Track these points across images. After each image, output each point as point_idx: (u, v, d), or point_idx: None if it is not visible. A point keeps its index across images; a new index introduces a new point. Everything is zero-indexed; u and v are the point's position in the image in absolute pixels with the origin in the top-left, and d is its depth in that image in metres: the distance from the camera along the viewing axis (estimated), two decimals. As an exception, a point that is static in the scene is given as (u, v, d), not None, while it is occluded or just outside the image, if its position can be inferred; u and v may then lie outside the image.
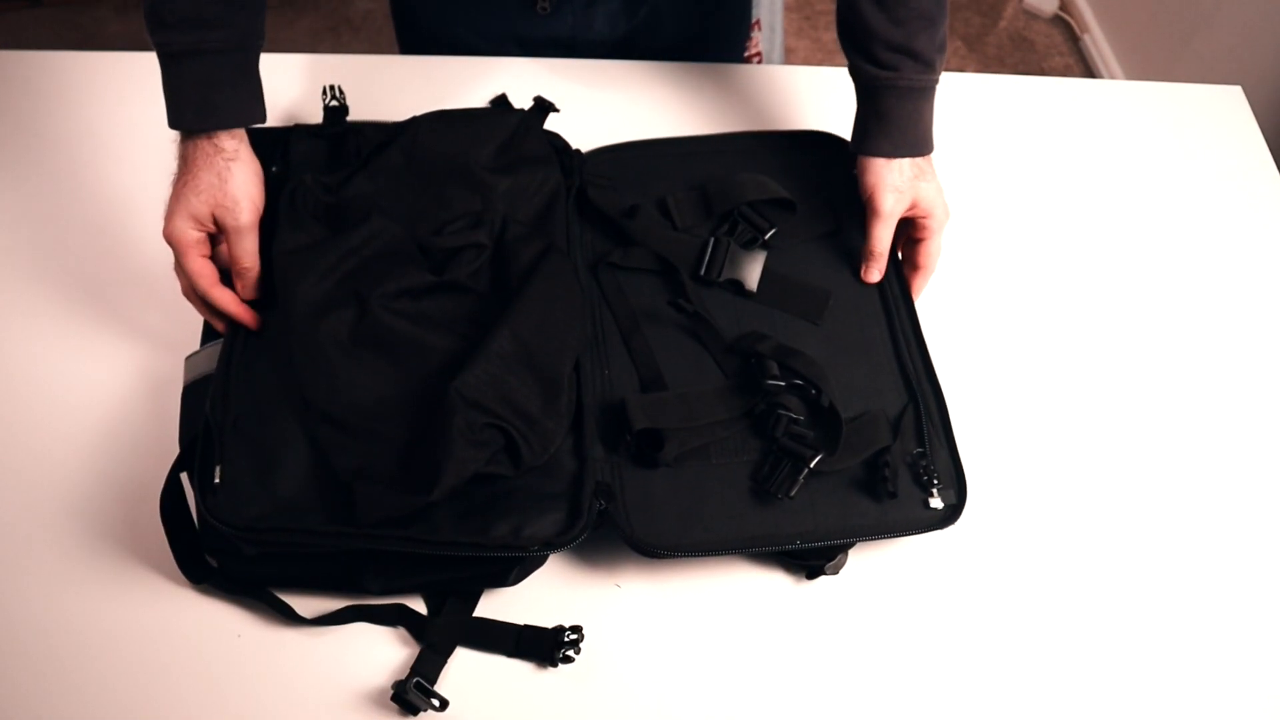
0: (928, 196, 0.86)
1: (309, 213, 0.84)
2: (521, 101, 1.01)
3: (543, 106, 0.98)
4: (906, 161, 0.86)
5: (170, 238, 0.79)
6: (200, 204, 0.78)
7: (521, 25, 1.07)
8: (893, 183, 0.86)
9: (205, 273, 0.79)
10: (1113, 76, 2.35)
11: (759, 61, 1.20)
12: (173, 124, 0.80)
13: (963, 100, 1.10)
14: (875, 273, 0.88)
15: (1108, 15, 2.42)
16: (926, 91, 0.86)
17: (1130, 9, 2.32)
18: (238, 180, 0.79)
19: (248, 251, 0.80)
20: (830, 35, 2.46)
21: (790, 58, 2.42)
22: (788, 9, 2.50)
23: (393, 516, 0.70)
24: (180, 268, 0.80)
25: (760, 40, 1.18)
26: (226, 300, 0.79)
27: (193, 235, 0.79)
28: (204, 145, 0.79)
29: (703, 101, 1.06)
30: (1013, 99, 1.11)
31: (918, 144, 0.86)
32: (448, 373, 0.73)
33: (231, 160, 0.79)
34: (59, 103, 1.02)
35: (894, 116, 0.85)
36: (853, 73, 0.88)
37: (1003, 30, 2.49)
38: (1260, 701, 0.76)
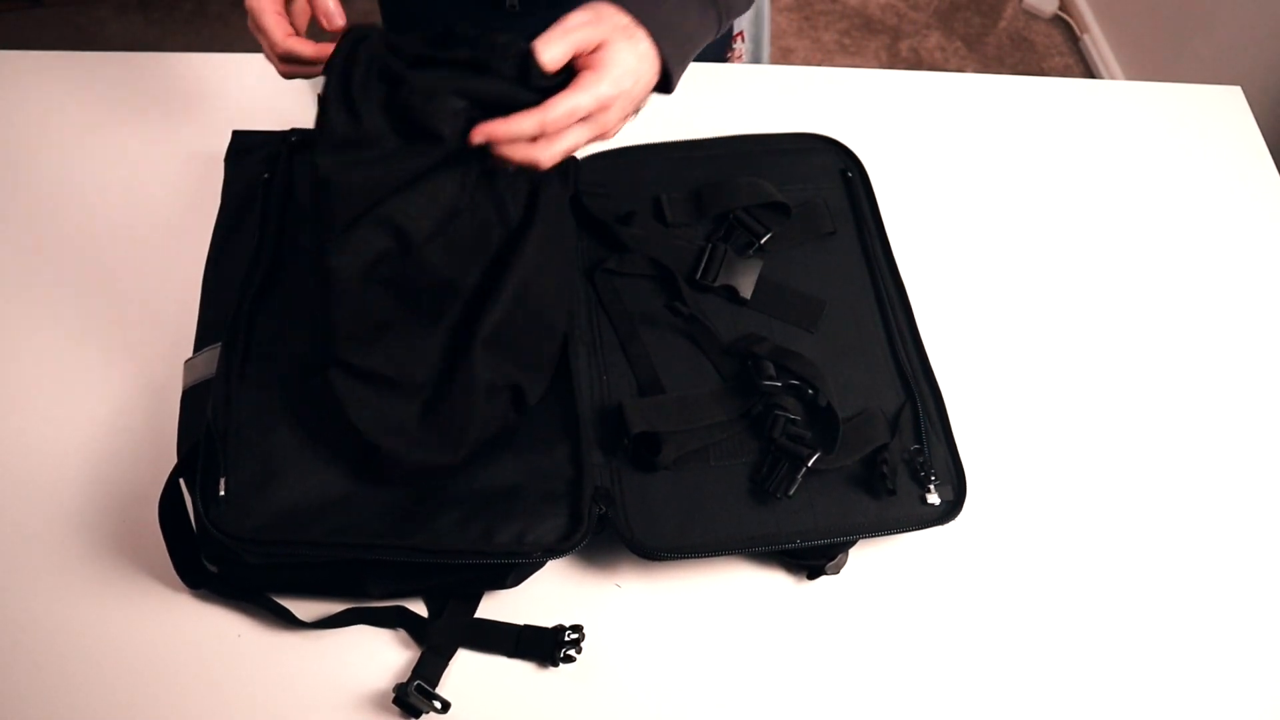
0: (612, 56, 0.74)
1: (373, 101, 0.71)
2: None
3: None
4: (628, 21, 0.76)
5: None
6: None
7: (491, 24, 1.07)
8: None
9: (280, 24, 0.74)
10: (1112, 76, 2.35)
11: None
12: None
13: (963, 100, 1.10)
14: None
15: (1108, 15, 2.42)
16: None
17: (1130, 9, 2.32)
18: None
19: None
20: (830, 35, 2.46)
21: (790, 58, 2.42)
22: (787, 9, 2.50)
23: (415, 473, 0.72)
24: (257, 29, 0.76)
25: (744, 52, 1.18)
26: (308, 49, 0.74)
27: None
28: None
29: (701, 102, 1.06)
30: (1013, 99, 1.11)
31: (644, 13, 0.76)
32: (468, 321, 0.73)
33: None
34: (59, 103, 1.02)
35: None
36: None
37: (1003, 30, 2.49)
38: (1260, 700, 0.76)
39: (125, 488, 0.79)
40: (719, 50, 1.15)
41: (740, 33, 1.16)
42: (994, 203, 1.02)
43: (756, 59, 1.20)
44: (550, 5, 1.04)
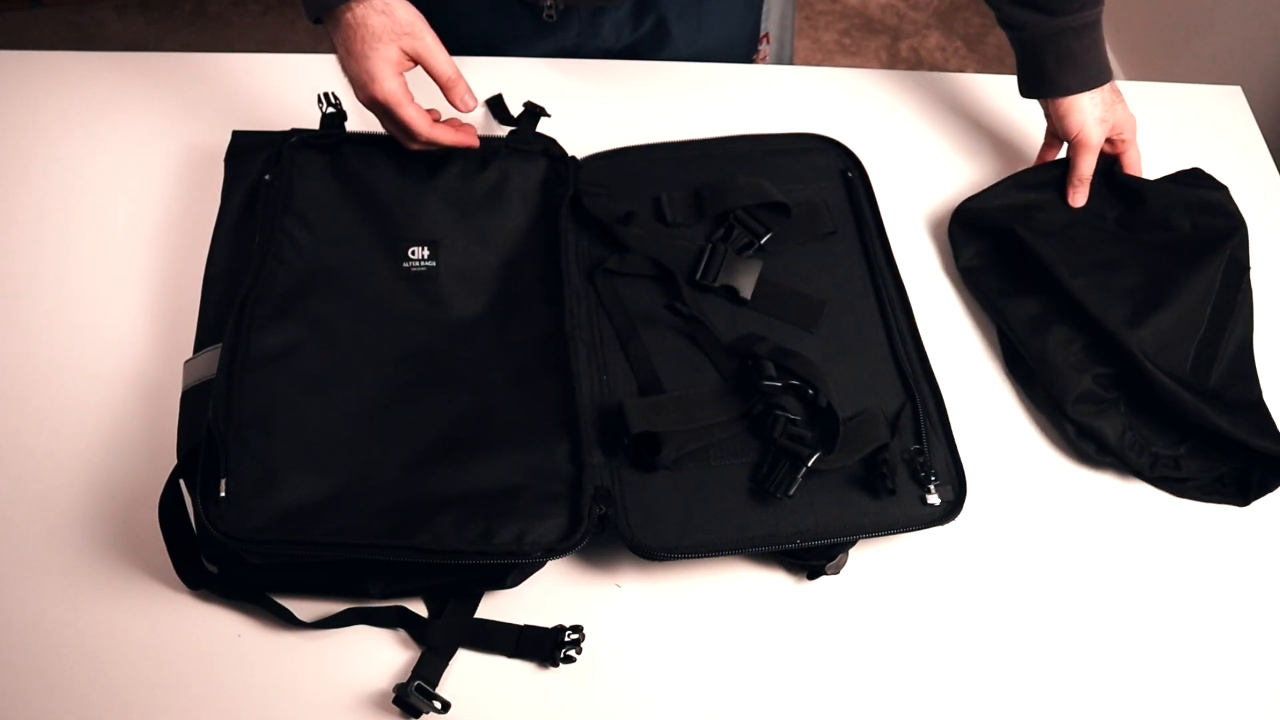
0: (1124, 118, 0.95)
1: None
2: (518, 102, 1.01)
3: (533, 112, 0.98)
4: (1101, 91, 0.94)
5: (382, 97, 0.82)
6: (388, 47, 0.81)
7: (527, 33, 1.07)
8: (1097, 115, 0.94)
9: (422, 117, 0.83)
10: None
11: None
12: (321, 10, 0.82)
13: (963, 100, 1.10)
14: (1082, 196, 0.96)
15: (1108, 15, 2.38)
16: (1099, 23, 0.94)
17: (1130, 9, 2.32)
18: (401, 8, 0.82)
19: (446, 61, 0.84)
20: (830, 35, 2.46)
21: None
22: (787, 9, 2.50)
23: None
24: (394, 121, 0.84)
25: (769, 54, 1.18)
26: (448, 138, 0.85)
27: (399, 84, 0.82)
28: (355, 8, 0.81)
29: (702, 102, 1.06)
30: (1013, 99, 1.11)
31: (1104, 72, 0.94)
32: None
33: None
34: (59, 103, 1.02)
35: (1077, 53, 0.93)
36: (1013, 23, 0.95)
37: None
38: (1260, 699, 0.76)
39: (125, 488, 0.79)
40: (746, 52, 1.15)
41: (766, 34, 1.16)
42: (994, 203, 1.02)
43: (780, 60, 1.20)
44: (590, 16, 1.05)
